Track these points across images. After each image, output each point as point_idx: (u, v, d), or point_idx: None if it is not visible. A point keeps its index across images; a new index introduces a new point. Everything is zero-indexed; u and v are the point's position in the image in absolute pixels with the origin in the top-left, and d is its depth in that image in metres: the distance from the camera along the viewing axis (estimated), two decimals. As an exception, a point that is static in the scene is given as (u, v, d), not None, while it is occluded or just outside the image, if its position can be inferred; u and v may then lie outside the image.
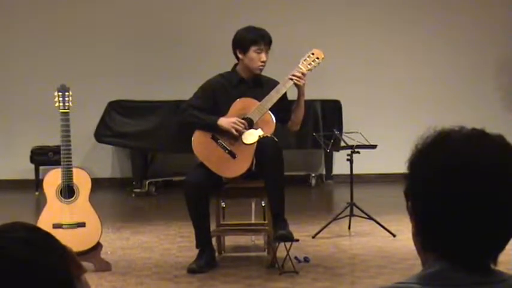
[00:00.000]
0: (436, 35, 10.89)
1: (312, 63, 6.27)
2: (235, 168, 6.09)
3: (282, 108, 6.17)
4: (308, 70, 6.26)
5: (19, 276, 1.48)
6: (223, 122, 6.09)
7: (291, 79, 6.13)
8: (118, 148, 10.66)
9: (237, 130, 6.06)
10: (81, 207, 6.05)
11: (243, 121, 6.09)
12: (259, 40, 6.12)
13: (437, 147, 1.65)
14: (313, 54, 6.31)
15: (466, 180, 1.60)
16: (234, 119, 6.08)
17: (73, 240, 5.68)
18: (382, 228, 7.18)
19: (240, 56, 6.17)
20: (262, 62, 6.15)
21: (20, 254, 1.49)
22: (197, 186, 5.97)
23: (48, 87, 6.89)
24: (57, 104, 6.06)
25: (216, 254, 6.35)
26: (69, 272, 1.55)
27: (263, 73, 6.26)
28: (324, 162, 10.60)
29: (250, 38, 6.13)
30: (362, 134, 7.27)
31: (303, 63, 6.26)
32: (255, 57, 6.13)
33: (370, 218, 7.28)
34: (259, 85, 6.24)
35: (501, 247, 1.65)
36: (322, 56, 6.31)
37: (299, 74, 6.13)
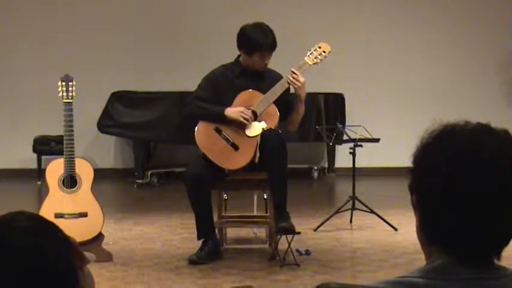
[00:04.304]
0: (439, 30, 10.87)
1: (319, 56, 6.26)
2: (237, 160, 6.10)
3: (284, 103, 6.15)
4: (314, 63, 6.25)
5: (22, 265, 1.48)
6: (230, 111, 6.08)
7: (288, 82, 6.09)
8: (120, 139, 10.67)
9: (245, 119, 6.05)
10: (83, 197, 6.06)
11: (249, 111, 6.08)
12: (265, 49, 6.09)
13: (442, 141, 1.66)
14: (319, 47, 6.29)
15: (470, 175, 1.60)
16: (241, 108, 6.07)
17: (75, 230, 5.68)
18: (383, 222, 7.18)
19: (243, 55, 6.17)
20: (265, 63, 6.15)
21: (23, 243, 1.49)
22: (197, 177, 5.97)
23: (52, 77, 6.89)
24: (60, 94, 6.06)
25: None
26: (72, 262, 1.55)
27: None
28: (327, 155, 10.59)
29: (257, 44, 6.07)
30: (365, 127, 7.27)
31: (309, 56, 6.25)
32: (258, 61, 6.13)
33: (372, 211, 7.28)
34: (262, 76, 6.23)
35: (504, 242, 1.65)
36: (329, 49, 6.29)
37: (296, 78, 6.08)
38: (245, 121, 6.05)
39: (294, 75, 6.08)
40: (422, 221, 1.69)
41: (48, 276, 1.49)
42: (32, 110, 10.59)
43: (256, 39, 6.09)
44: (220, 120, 6.10)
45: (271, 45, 6.10)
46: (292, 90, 6.27)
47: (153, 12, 10.73)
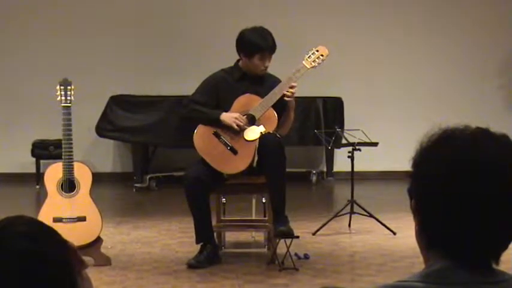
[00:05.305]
0: (438, 33, 10.87)
1: (316, 60, 6.26)
2: (236, 164, 6.10)
3: (280, 106, 6.15)
4: (312, 67, 6.25)
5: (21, 269, 1.48)
6: (225, 116, 6.09)
7: (285, 95, 6.08)
8: (119, 142, 10.66)
9: (238, 125, 6.06)
10: (82, 201, 6.05)
11: (244, 117, 6.09)
12: (265, 51, 6.10)
13: (441, 145, 1.66)
14: (317, 51, 6.29)
15: (470, 179, 1.60)
16: (236, 114, 6.09)
17: (73, 234, 5.68)
18: (382, 226, 7.18)
19: (243, 58, 6.18)
20: (265, 66, 6.15)
21: (21, 248, 1.49)
22: (196, 181, 5.98)
23: (50, 81, 6.89)
24: (59, 98, 6.06)
25: (216, 249, 6.35)
26: (70, 266, 1.55)
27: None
28: (325, 159, 10.59)
29: (256, 47, 6.08)
30: (363, 131, 7.27)
31: (307, 60, 6.25)
32: (258, 63, 6.13)
33: (371, 215, 7.28)
34: (261, 80, 6.24)
35: (503, 246, 1.65)
36: (327, 53, 6.29)
37: (293, 91, 6.09)
38: (237, 128, 6.05)
39: (292, 89, 6.09)
40: (421, 225, 1.69)
41: (47, 280, 1.49)
42: (31, 114, 10.58)
43: (256, 42, 6.10)
44: (216, 125, 6.11)
45: (271, 47, 6.12)
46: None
47: (153, 16, 10.73)
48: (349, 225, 7.40)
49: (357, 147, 7.24)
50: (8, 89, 10.66)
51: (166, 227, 7.60)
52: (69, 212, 6.03)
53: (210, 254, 6.08)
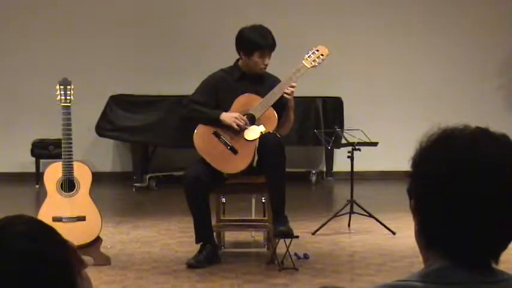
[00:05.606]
0: (438, 33, 10.87)
1: (317, 59, 6.26)
2: (236, 164, 6.10)
3: (280, 106, 6.16)
4: (312, 67, 6.25)
5: (20, 269, 1.48)
6: (226, 116, 6.09)
7: (285, 93, 6.09)
8: (119, 142, 10.66)
9: (238, 125, 6.06)
10: (82, 201, 6.05)
11: (244, 117, 6.09)
12: (265, 48, 6.10)
13: (441, 145, 1.66)
14: (317, 50, 6.29)
15: (469, 179, 1.60)
16: (236, 114, 6.09)
17: (73, 234, 5.68)
18: (381, 226, 7.18)
19: (243, 57, 6.18)
20: (265, 64, 6.15)
21: (21, 247, 1.49)
22: (196, 180, 5.98)
23: (50, 80, 6.89)
24: (58, 98, 6.06)
25: (216, 249, 6.35)
26: (70, 266, 1.55)
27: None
28: (325, 159, 10.59)
29: (256, 44, 6.09)
30: (363, 131, 7.27)
31: (306, 59, 6.25)
32: (258, 61, 6.13)
33: (370, 215, 7.28)
34: (261, 80, 6.24)
35: (503, 246, 1.66)
36: (327, 53, 6.29)
37: (292, 89, 6.10)
38: (237, 127, 6.06)
39: (292, 88, 6.10)
40: (421, 225, 1.69)
41: (47, 280, 1.49)
42: (30, 113, 10.58)
43: (255, 40, 6.11)
44: (216, 124, 6.11)
45: (271, 45, 6.12)
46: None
47: (152, 16, 10.73)
48: (349, 225, 7.40)
49: (357, 147, 7.24)
50: (8, 89, 10.66)
51: (166, 226, 7.60)
52: (69, 211, 6.03)
53: (209, 254, 6.08)
